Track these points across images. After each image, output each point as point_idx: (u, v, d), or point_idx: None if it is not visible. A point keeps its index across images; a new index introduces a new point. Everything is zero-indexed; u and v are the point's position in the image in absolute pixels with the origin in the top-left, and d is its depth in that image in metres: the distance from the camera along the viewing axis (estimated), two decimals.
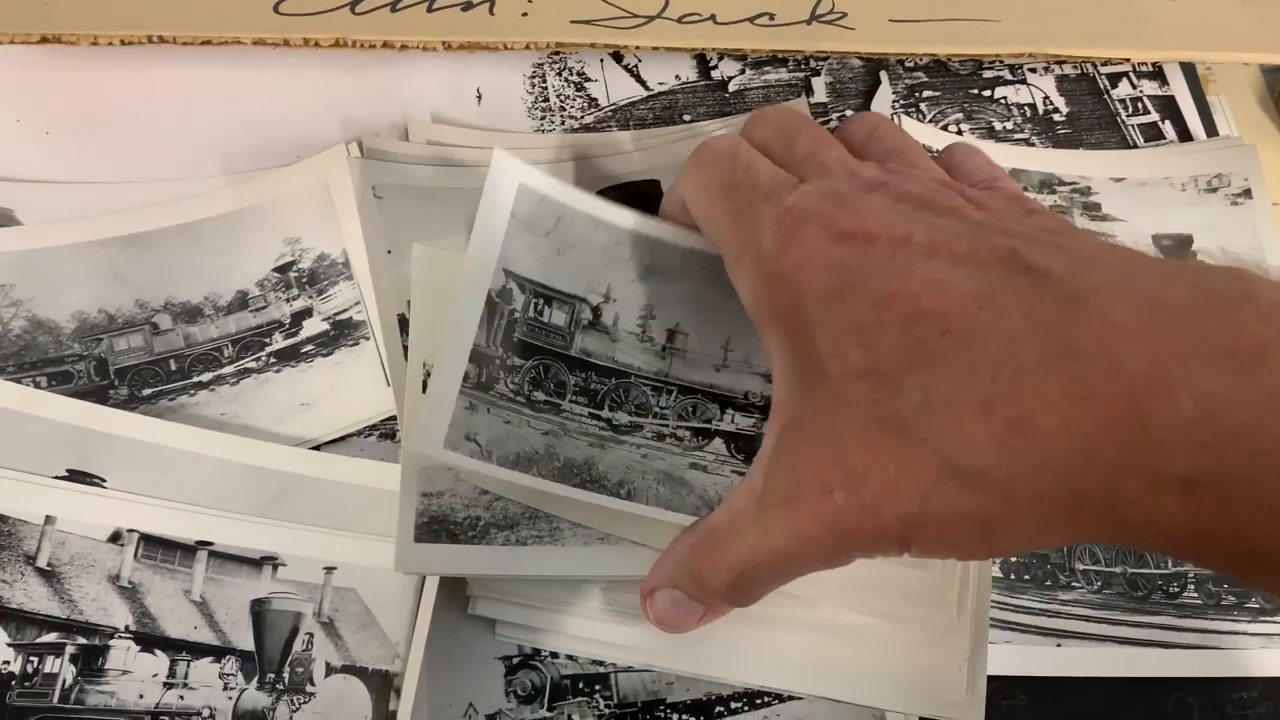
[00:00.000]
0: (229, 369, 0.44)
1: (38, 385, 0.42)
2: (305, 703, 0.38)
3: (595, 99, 0.50)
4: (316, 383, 0.44)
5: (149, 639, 0.38)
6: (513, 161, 0.38)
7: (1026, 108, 0.53)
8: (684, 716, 0.40)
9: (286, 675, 0.39)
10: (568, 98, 0.50)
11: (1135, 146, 0.53)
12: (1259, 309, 0.24)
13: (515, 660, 0.40)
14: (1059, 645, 0.42)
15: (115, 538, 0.39)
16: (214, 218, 0.45)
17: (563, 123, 0.50)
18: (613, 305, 0.38)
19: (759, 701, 0.41)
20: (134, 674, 0.38)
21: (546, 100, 0.50)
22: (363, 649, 0.39)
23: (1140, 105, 0.54)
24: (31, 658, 0.37)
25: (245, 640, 0.39)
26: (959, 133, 0.52)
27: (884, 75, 0.52)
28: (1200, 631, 0.43)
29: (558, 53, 0.50)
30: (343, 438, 0.43)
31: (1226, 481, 0.23)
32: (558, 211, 0.38)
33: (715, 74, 0.52)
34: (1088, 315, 0.25)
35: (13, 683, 0.37)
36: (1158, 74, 0.55)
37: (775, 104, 0.50)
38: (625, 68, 0.51)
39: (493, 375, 0.36)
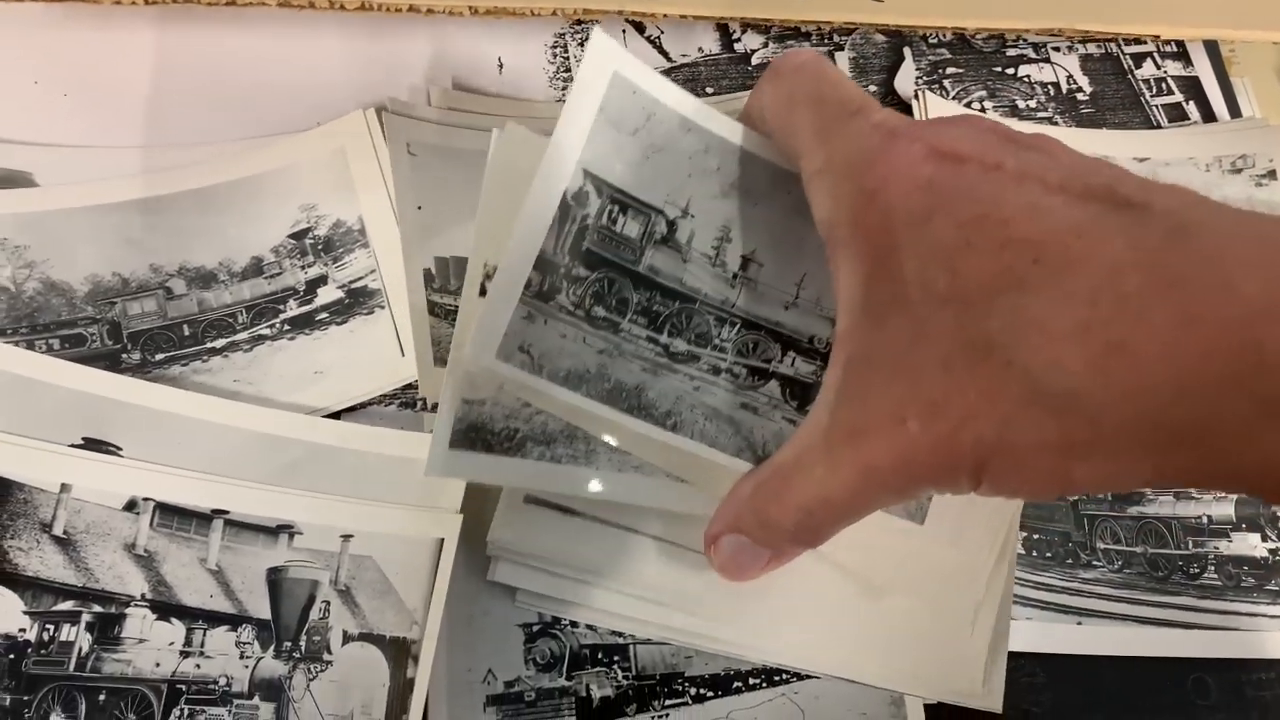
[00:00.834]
0: (243, 335, 0.43)
1: (50, 348, 0.42)
2: (322, 671, 0.38)
3: None
4: (331, 351, 0.43)
5: (165, 607, 0.38)
6: (611, 44, 0.34)
7: (1050, 86, 0.53)
8: (702, 690, 0.40)
9: (303, 643, 0.38)
10: None
11: (1159, 127, 0.52)
12: None
13: (535, 628, 0.40)
14: (1080, 623, 0.42)
15: (131, 506, 0.39)
16: (230, 183, 0.45)
17: None
18: (689, 221, 0.35)
19: (777, 679, 0.41)
20: (150, 642, 0.38)
21: (568, 70, 0.49)
22: (380, 616, 0.39)
23: (1164, 85, 0.53)
24: (48, 625, 0.37)
25: (262, 609, 0.39)
26: (982, 110, 0.51)
27: (908, 51, 0.52)
28: (1220, 613, 0.43)
29: (580, 22, 0.50)
30: (360, 406, 0.42)
31: None
32: (650, 107, 0.34)
33: (738, 47, 0.51)
34: (1196, 245, 0.24)
35: (29, 650, 0.37)
36: (1182, 54, 0.54)
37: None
38: (648, 39, 0.50)
39: (555, 285, 0.34)
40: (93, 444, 0.39)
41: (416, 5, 0.45)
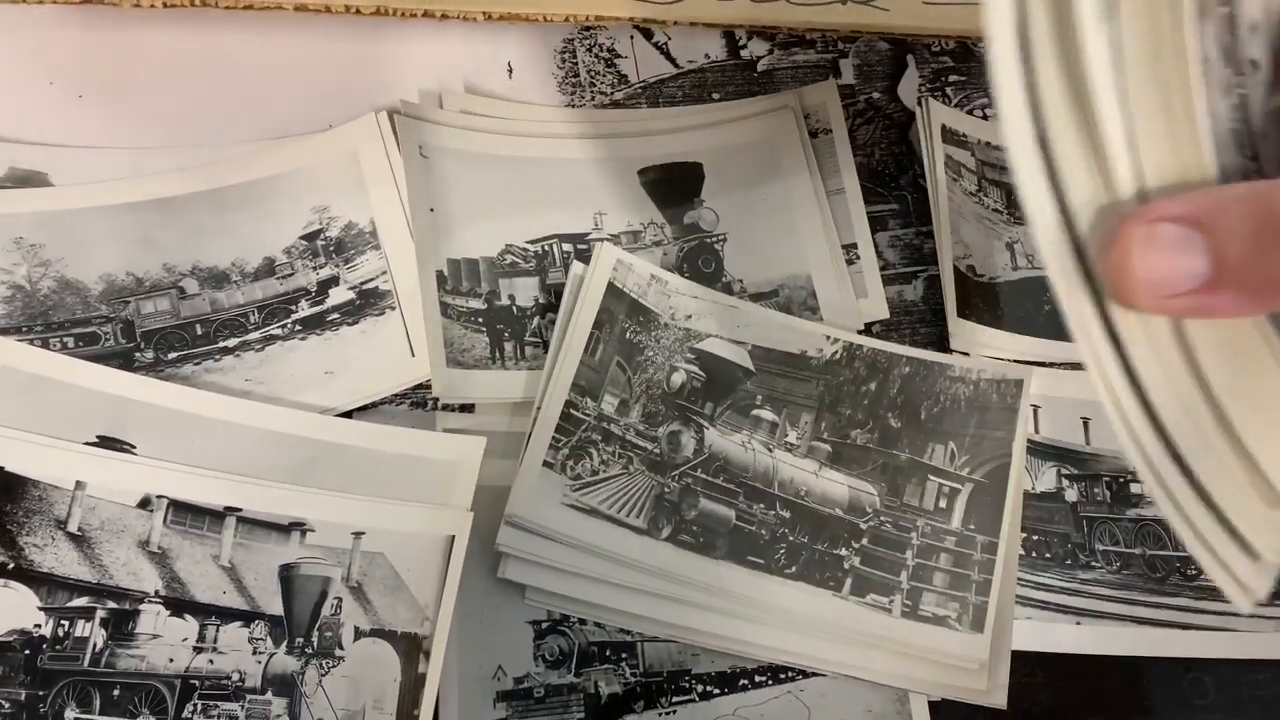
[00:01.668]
0: (254, 335, 0.44)
1: (65, 346, 0.42)
2: (334, 666, 0.38)
3: (625, 75, 0.50)
4: (342, 351, 0.44)
5: (179, 603, 0.38)
6: None
7: None
8: (709, 687, 0.41)
9: (315, 639, 0.39)
10: (598, 74, 0.50)
11: None
12: None
13: (544, 625, 0.40)
14: (1078, 623, 0.43)
15: (145, 503, 0.39)
16: (243, 184, 0.45)
17: (592, 98, 0.50)
18: None
19: (783, 676, 0.41)
20: (164, 638, 0.38)
21: (577, 75, 0.50)
22: (391, 612, 0.39)
23: None
24: (62, 621, 0.37)
25: (274, 605, 0.39)
26: (984, 118, 0.52)
27: (911, 59, 0.53)
28: (1217, 613, 0.44)
29: (589, 28, 0.50)
30: (371, 406, 0.43)
31: None
32: None
33: (744, 53, 0.52)
34: None
35: (44, 646, 0.37)
36: None
37: None
38: (655, 45, 0.51)
39: None
40: (107, 442, 0.40)
41: (430, 10, 0.45)
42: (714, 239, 0.48)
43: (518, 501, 0.40)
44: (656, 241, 0.47)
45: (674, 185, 0.48)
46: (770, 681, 0.41)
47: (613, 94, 0.50)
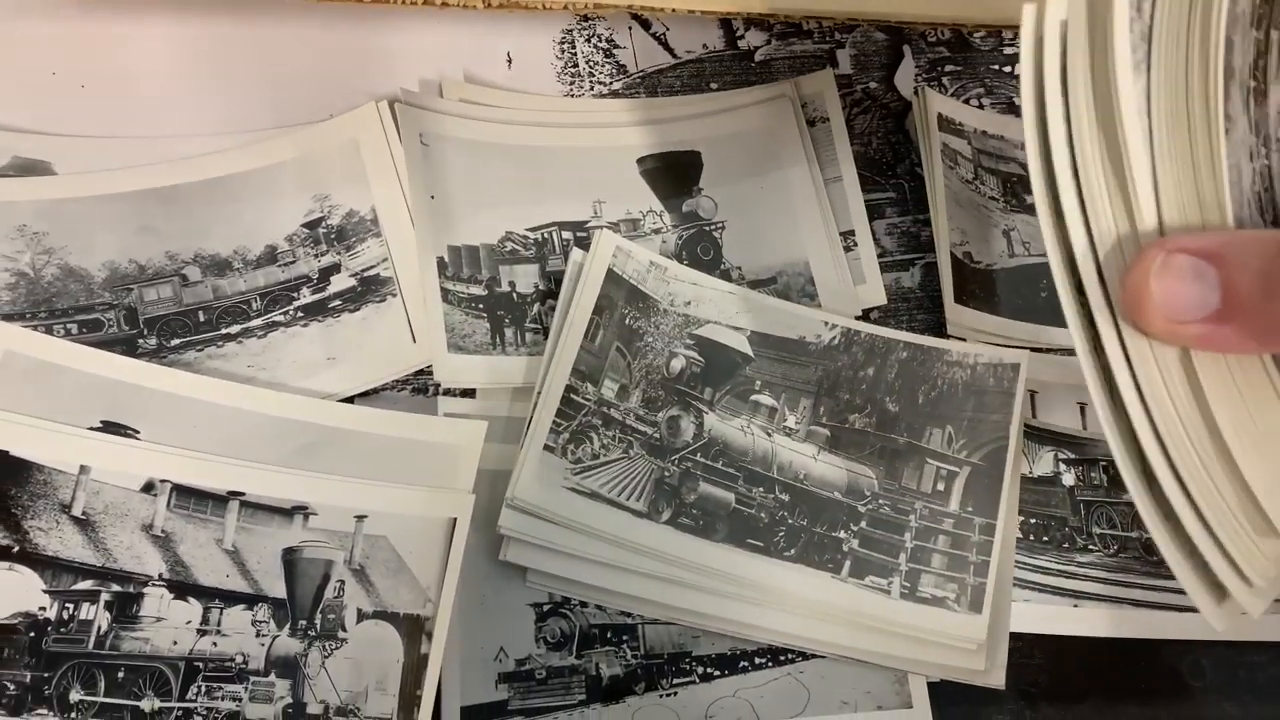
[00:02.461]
0: (257, 322, 0.44)
1: (68, 332, 0.42)
2: (337, 648, 0.39)
3: (624, 65, 0.51)
4: (343, 337, 0.44)
5: (182, 587, 0.39)
6: None
7: None
8: (709, 669, 0.41)
9: (318, 622, 0.39)
10: (596, 64, 0.50)
11: None
12: None
13: (545, 608, 0.41)
14: (1076, 605, 0.43)
15: (148, 488, 0.39)
16: (245, 173, 0.46)
17: (591, 88, 0.50)
18: None
19: (783, 658, 0.41)
20: (168, 621, 0.38)
21: (575, 66, 0.50)
22: (394, 595, 0.39)
23: None
24: (67, 604, 0.38)
25: (277, 588, 0.39)
26: (980, 107, 0.52)
27: (907, 49, 0.53)
28: None
29: (588, 18, 0.51)
30: (372, 391, 0.43)
31: None
32: None
33: (741, 44, 0.52)
34: None
35: (49, 629, 0.37)
36: None
37: None
38: (653, 35, 0.51)
39: None
40: (111, 427, 0.40)
41: None
42: (713, 227, 0.48)
43: (519, 485, 0.40)
44: (655, 229, 0.48)
45: (673, 174, 0.48)
46: (770, 663, 0.41)
47: (611, 84, 0.50)
